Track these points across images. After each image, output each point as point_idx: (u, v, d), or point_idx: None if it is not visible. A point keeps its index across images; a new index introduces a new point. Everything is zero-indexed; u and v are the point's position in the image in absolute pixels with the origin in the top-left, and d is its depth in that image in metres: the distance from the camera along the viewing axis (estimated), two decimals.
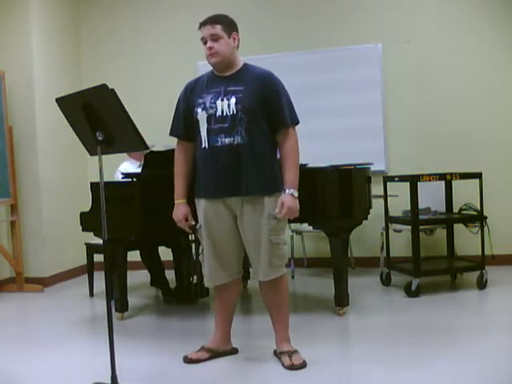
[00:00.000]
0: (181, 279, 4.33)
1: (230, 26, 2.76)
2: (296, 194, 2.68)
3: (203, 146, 2.73)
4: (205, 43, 2.73)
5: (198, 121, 2.74)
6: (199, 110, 2.72)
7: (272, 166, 2.74)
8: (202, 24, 2.74)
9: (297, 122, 2.79)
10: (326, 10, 5.45)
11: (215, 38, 2.70)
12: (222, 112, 2.68)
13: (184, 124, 2.83)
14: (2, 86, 4.96)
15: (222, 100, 2.69)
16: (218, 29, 2.71)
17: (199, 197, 2.81)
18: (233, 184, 2.69)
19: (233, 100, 2.67)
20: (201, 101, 2.74)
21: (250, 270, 2.86)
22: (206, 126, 2.71)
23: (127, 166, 4.52)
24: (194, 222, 2.85)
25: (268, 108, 2.70)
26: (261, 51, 5.43)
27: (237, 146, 2.66)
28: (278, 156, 2.79)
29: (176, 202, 2.86)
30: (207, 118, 2.70)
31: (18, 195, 5.13)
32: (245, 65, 2.80)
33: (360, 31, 5.35)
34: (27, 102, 5.14)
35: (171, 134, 2.90)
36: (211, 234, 2.79)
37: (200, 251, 2.91)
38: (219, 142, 2.68)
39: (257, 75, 2.74)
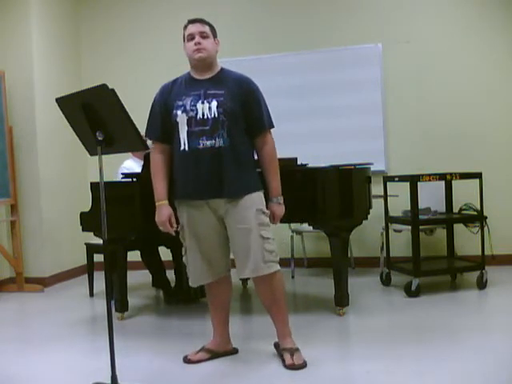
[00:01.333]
0: (180, 279, 4.33)
1: (214, 30, 2.84)
2: (281, 201, 2.83)
3: (182, 148, 2.72)
4: (191, 39, 2.75)
5: (177, 123, 2.73)
6: (179, 112, 2.72)
7: (252, 167, 2.80)
8: (191, 22, 2.79)
9: (272, 127, 2.85)
10: (326, 9, 5.45)
11: (204, 35, 2.76)
12: (203, 115, 2.69)
13: (161, 126, 2.82)
14: (2, 86, 4.96)
15: (203, 103, 2.70)
16: (207, 29, 2.78)
17: (179, 198, 2.81)
18: (215, 186, 2.69)
19: (214, 103, 2.69)
20: (180, 103, 2.74)
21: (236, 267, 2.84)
22: (186, 128, 2.71)
23: (131, 164, 4.50)
24: (176, 225, 2.83)
25: (247, 112, 2.75)
26: (261, 51, 5.44)
27: (218, 149, 2.67)
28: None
29: (157, 203, 2.82)
30: (187, 120, 2.71)
31: (18, 195, 5.13)
32: (222, 69, 2.84)
33: (360, 31, 5.35)
34: (27, 102, 5.14)
35: (147, 136, 2.88)
36: (195, 234, 2.79)
37: (183, 252, 2.89)
38: (201, 145, 2.69)
39: (236, 80, 2.78)
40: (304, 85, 5.36)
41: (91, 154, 2.60)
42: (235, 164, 2.70)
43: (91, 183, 3.79)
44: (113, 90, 2.34)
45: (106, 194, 2.51)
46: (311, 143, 5.22)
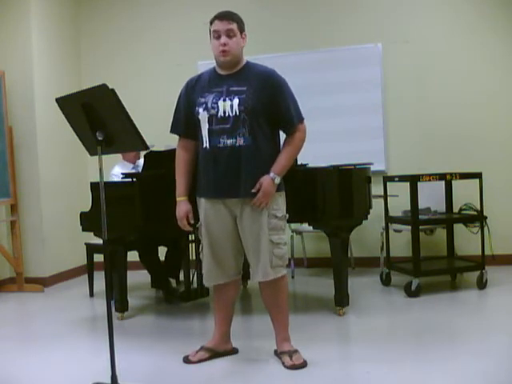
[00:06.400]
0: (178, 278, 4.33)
1: (242, 24, 2.74)
2: (277, 181, 2.68)
3: (204, 145, 2.73)
4: (217, 37, 2.68)
5: (199, 120, 2.72)
6: (201, 109, 2.71)
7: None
8: (219, 18, 2.68)
9: (302, 119, 2.79)
10: (326, 10, 5.45)
11: (231, 34, 2.67)
12: (224, 113, 2.66)
13: (185, 121, 2.81)
14: (2, 86, 4.96)
15: (225, 100, 2.67)
16: (235, 26, 2.68)
17: (200, 196, 2.81)
18: (233, 185, 2.68)
19: (236, 101, 2.65)
20: (202, 100, 2.72)
21: (250, 270, 2.84)
22: (207, 126, 2.70)
23: (120, 170, 4.42)
24: (193, 221, 2.84)
25: (273, 108, 2.69)
26: (261, 51, 5.42)
27: (239, 148, 2.65)
28: None
29: (177, 199, 2.84)
30: (208, 118, 2.69)
31: (18, 195, 5.13)
32: (247, 63, 2.78)
33: (360, 31, 5.35)
34: (27, 102, 5.14)
35: (172, 131, 2.89)
36: (210, 234, 2.79)
37: (200, 249, 2.90)
38: (221, 143, 2.67)
39: (260, 74, 2.72)
40: (304, 85, 5.33)
41: (91, 154, 2.60)
42: (255, 163, 2.67)
43: (91, 183, 3.80)
44: (113, 90, 2.34)
45: (106, 194, 2.51)
46: (311, 143, 5.16)
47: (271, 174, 2.67)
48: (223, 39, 2.66)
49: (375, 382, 2.56)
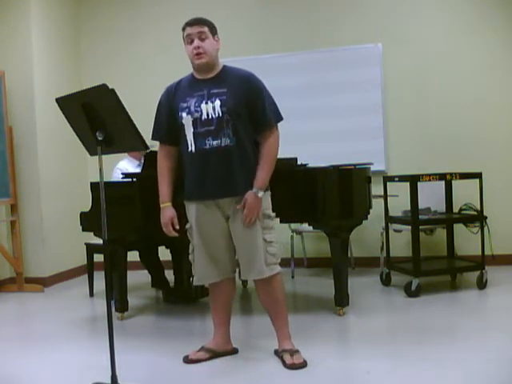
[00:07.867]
0: (180, 279, 4.33)
1: (214, 28, 2.80)
2: (260, 195, 2.70)
3: (190, 149, 2.73)
4: (190, 42, 2.73)
5: (183, 125, 2.74)
6: (184, 114, 2.73)
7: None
8: (190, 24, 2.74)
9: (280, 119, 2.82)
10: (325, 10, 5.45)
11: (203, 36, 2.72)
12: (208, 115, 2.69)
13: (167, 128, 2.82)
14: (2, 86, 4.96)
15: (207, 103, 2.70)
16: (206, 29, 2.74)
17: (190, 199, 2.81)
18: (224, 185, 2.70)
19: (217, 102, 2.68)
20: (185, 105, 2.74)
21: (241, 268, 2.85)
22: (192, 129, 2.71)
23: (126, 164, 4.51)
24: (178, 227, 2.83)
25: (251, 109, 2.73)
26: (261, 51, 5.44)
27: (225, 148, 2.68)
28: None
29: (162, 205, 2.83)
30: (193, 121, 2.71)
31: (18, 195, 5.13)
32: (224, 67, 2.82)
33: (360, 31, 5.35)
34: (27, 102, 5.14)
35: (153, 137, 2.88)
36: (203, 234, 2.80)
37: (190, 251, 2.90)
38: (207, 145, 2.69)
39: (238, 77, 2.77)
40: (304, 85, 5.36)
41: (91, 154, 2.60)
42: (243, 162, 2.70)
43: (91, 183, 3.80)
44: (113, 90, 2.34)
45: (106, 194, 2.51)
46: (311, 143, 5.22)
47: (254, 189, 2.69)
48: (196, 42, 2.71)
49: (375, 382, 2.57)
